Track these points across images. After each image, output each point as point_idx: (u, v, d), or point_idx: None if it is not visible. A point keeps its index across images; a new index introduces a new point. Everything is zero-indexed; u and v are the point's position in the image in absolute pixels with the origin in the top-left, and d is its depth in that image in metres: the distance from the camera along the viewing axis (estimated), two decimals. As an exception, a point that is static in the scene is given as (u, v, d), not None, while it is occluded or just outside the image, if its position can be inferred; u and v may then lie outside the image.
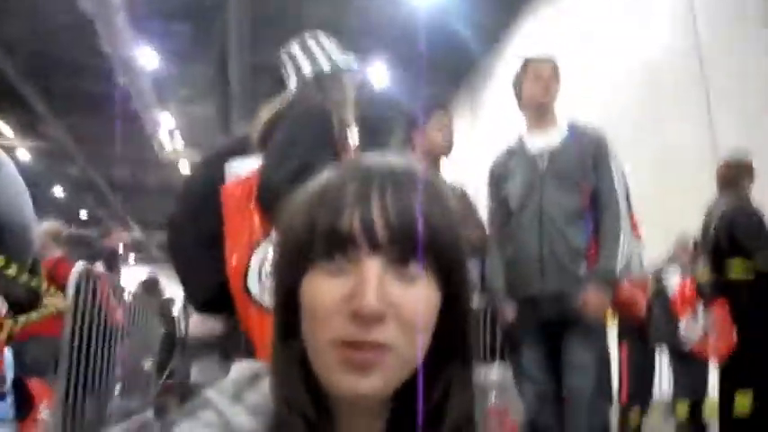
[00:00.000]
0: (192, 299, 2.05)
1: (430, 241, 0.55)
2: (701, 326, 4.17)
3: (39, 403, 3.56)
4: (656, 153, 7.54)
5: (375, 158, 0.61)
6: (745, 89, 6.35)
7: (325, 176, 0.60)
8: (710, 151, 6.28)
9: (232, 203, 1.79)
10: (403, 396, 0.59)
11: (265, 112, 2.01)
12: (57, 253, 4.73)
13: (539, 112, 2.70)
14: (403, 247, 0.55)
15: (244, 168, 1.84)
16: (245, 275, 1.70)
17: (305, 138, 1.76)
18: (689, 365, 4.60)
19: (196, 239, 1.91)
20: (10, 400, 3.44)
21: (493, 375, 4.19)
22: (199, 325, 4.14)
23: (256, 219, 1.74)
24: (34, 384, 3.71)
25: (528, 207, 2.58)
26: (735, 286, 3.55)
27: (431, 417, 0.60)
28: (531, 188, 2.59)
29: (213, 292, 1.85)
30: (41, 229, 4.88)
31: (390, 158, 0.62)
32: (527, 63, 2.74)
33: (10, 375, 3.42)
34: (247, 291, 1.70)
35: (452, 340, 0.61)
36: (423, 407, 0.60)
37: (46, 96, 13.13)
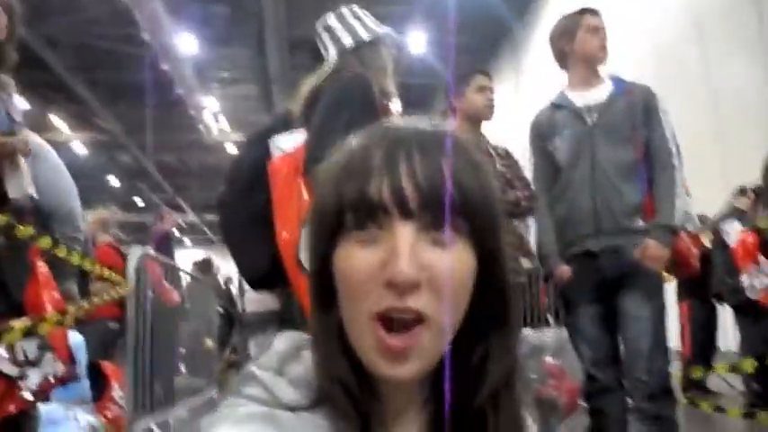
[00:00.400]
0: (246, 276, 2.09)
1: (462, 204, 0.54)
2: (766, 276, 4.02)
3: (112, 384, 3.73)
4: (712, 97, 7.25)
5: (401, 123, 0.60)
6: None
7: (351, 144, 0.59)
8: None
9: (280, 179, 1.80)
10: (443, 363, 0.58)
11: (306, 87, 2.01)
12: (105, 239, 4.90)
13: (591, 66, 2.62)
14: (435, 211, 0.53)
15: (289, 143, 1.84)
16: (297, 248, 1.72)
17: (348, 108, 1.76)
18: (754, 318, 4.46)
19: (247, 218, 1.95)
20: (87, 382, 3.62)
21: (548, 337, 4.18)
22: (254, 301, 4.25)
23: (305, 192, 1.75)
24: (108, 367, 3.89)
25: (579, 163, 2.52)
26: None
27: (472, 382, 0.60)
28: (582, 143, 2.53)
29: (266, 269, 1.88)
30: (90, 217, 5.08)
31: (417, 122, 0.60)
32: (581, 15, 2.65)
33: (83, 358, 3.60)
34: (300, 263, 1.72)
35: (491, 305, 0.60)
36: (462, 373, 0.60)
37: (93, 88, 13.49)
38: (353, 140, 0.60)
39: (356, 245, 0.54)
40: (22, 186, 2.05)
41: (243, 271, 2.06)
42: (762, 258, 4.04)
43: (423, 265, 0.52)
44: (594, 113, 2.53)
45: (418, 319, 0.53)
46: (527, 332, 4.43)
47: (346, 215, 0.54)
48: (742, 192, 5.03)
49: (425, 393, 0.62)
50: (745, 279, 4.17)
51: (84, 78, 12.91)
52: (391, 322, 0.53)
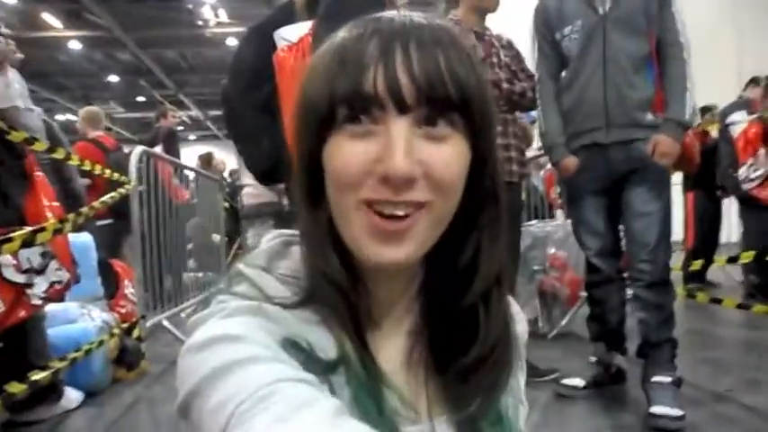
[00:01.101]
0: (253, 169, 2.09)
1: (458, 99, 0.52)
2: (764, 170, 3.98)
3: (124, 282, 3.84)
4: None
5: (395, 14, 0.56)
6: None
7: (343, 34, 0.56)
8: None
9: (287, 69, 1.75)
10: (435, 257, 0.58)
11: None
12: (95, 135, 4.87)
13: None
14: (431, 105, 0.52)
15: (294, 34, 1.77)
16: None
17: None
18: (757, 212, 4.47)
19: (253, 111, 1.92)
20: (98, 280, 3.73)
21: (552, 229, 4.23)
22: (251, 195, 4.31)
23: None
24: (119, 265, 3.99)
25: (590, 53, 2.43)
26: None
27: (462, 277, 0.60)
28: (594, 33, 2.43)
29: (273, 161, 1.87)
30: (80, 113, 5.04)
31: (412, 14, 0.57)
32: None
33: (93, 257, 3.68)
34: None
35: (482, 200, 0.59)
36: (452, 271, 0.60)
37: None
38: (345, 31, 0.56)
39: (349, 138, 0.52)
40: (9, 96, 2.01)
41: (250, 164, 2.05)
42: (761, 150, 3.98)
43: (418, 161, 0.51)
44: (607, 3, 2.42)
45: (416, 206, 0.52)
46: (532, 224, 4.48)
47: (338, 108, 0.52)
48: (753, 81, 4.89)
49: (414, 290, 0.62)
50: (742, 170, 4.14)
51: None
52: (382, 214, 0.52)
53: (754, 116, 4.29)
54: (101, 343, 2.91)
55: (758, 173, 3.94)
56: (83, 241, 3.53)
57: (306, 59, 1.68)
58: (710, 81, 5.91)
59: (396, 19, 0.55)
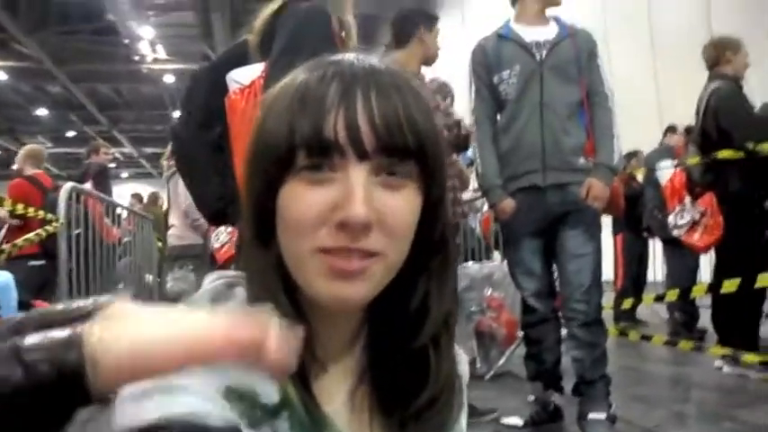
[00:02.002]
0: (203, 210, 2.05)
1: (415, 147, 0.53)
2: (690, 217, 4.22)
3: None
4: (650, 36, 7.38)
5: (354, 58, 0.57)
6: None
7: (303, 75, 0.56)
8: (706, 33, 6.13)
9: (238, 112, 1.73)
10: (381, 302, 0.58)
11: (261, 17, 1.91)
12: (33, 172, 4.70)
13: (544, 6, 2.62)
14: (389, 153, 0.52)
15: (246, 76, 1.76)
16: None
17: (308, 40, 1.69)
18: (680, 252, 4.69)
19: (204, 150, 1.88)
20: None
21: (489, 270, 4.30)
22: (174, 236, 4.20)
23: None
24: (40, 305, 3.78)
25: (528, 98, 2.53)
26: (722, 170, 3.54)
27: (411, 320, 0.59)
28: (531, 79, 2.53)
29: (224, 202, 1.84)
30: (21, 152, 4.85)
31: (370, 58, 0.58)
32: None
33: (14, 297, 3.49)
34: None
35: (433, 244, 0.59)
36: (401, 313, 0.60)
37: (14, 14, 12.57)
38: (305, 72, 0.56)
39: (306, 184, 0.52)
40: None
41: (199, 204, 2.02)
42: (687, 197, 4.22)
43: (375, 209, 0.51)
44: (543, 51, 2.53)
45: (369, 255, 0.52)
46: (468, 265, 4.54)
47: (298, 151, 0.51)
48: (671, 130, 5.19)
49: (360, 332, 0.62)
50: (671, 217, 4.37)
51: (3, 3, 11.98)
52: (342, 252, 0.52)
53: (678, 164, 4.54)
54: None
55: (685, 219, 4.16)
56: (2, 281, 3.35)
57: (258, 102, 1.68)
58: (634, 129, 6.23)
59: (356, 63, 0.56)
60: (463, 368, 0.69)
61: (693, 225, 4.01)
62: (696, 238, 4.01)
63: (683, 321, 4.68)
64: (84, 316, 0.36)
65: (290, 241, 0.53)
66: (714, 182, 3.66)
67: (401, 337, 0.60)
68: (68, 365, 0.34)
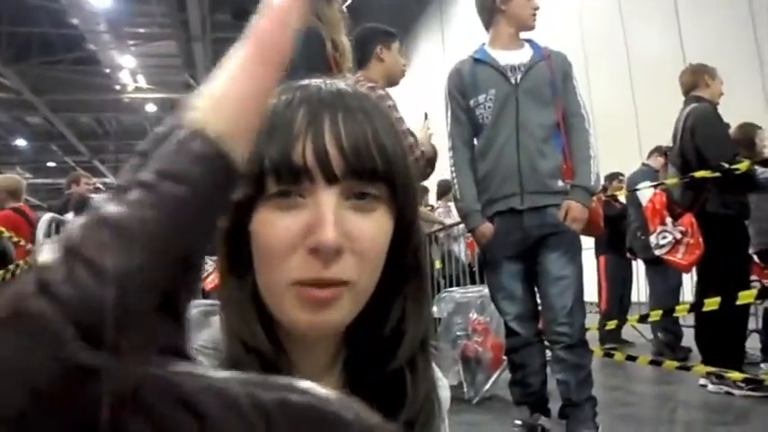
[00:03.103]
0: None
1: (384, 170, 0.53)
2: (672, 237, 4.29)
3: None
4: (627, 61, 7.53)
5: (322, 82, 0.57)
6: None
7: (270, 101, 0.56)
8: (679, 58, 6.28)
9: None
10: (357, 327, 0.58)
11: None
12: (13, 204, 4.63)
13: (518, 30, 2.65)
14: (359, 178, 0.52)
15: None
16: None
17: (304, 61, 1.71)
18: (662, 273, 4.73)
19: None
20: None
21: (473, 295, 4.29)
22: None
23: None
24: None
25: (504, 122, 2.55)
26: (700, 189, 3.60)
27: (385, 346, 0.59)
28: (507, 103, 2.55)
29: None
30: None
31: (338, 82, 0.58)
32: None
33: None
34: None
35: (406, 267, 0.60)
36: (377, 336, 0.59)
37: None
38: (272, 98, 0.55)
39: (276, 210, 0.52)
40: None
41: None
42: (668, 218, 4.29)
43: (345, 233, 0.51)
44: (518, 74, 2.55)
45: (342, 284, 0.52)
46: (453, 290, 4.54)
47: (267, 177, 0.52)
48: (657, 150, 5.27)
49: (336, 358, 0.62)
50: (652, 238, 4.43)
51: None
52: (315, 283, 0.52)
53: (657, 185, 4.61)
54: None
55: (667, 239, 4.22)
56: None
57: None
58: (614, 151, 6.33)
59: (323, 87, 0.56)
60: (444, 393, 0.69)
61: (675, 244, 4.07)
62: (679, 257, 4.07)
63: (667, 341, 4.70)
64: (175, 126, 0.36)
65: (265, 273, 0.53)
66: (693, 202, 3.71)
67: (377, 361, 0.59)
68: (205, 154, 0.35)
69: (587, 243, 5.81)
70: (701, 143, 3.53)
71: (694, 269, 3.93)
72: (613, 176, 5.91)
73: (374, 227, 0.54)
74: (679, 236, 4.10)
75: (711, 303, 3.13)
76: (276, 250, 0.52)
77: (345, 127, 0.52)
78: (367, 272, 0.54)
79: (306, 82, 0.57)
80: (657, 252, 4.39)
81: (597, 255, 5.81)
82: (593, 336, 4.83)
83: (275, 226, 0.52)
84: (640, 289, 5.78)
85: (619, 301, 5.71)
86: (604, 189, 5.28)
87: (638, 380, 4.32)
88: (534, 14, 2.63)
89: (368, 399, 0.59)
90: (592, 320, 4.52)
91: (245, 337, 0.54)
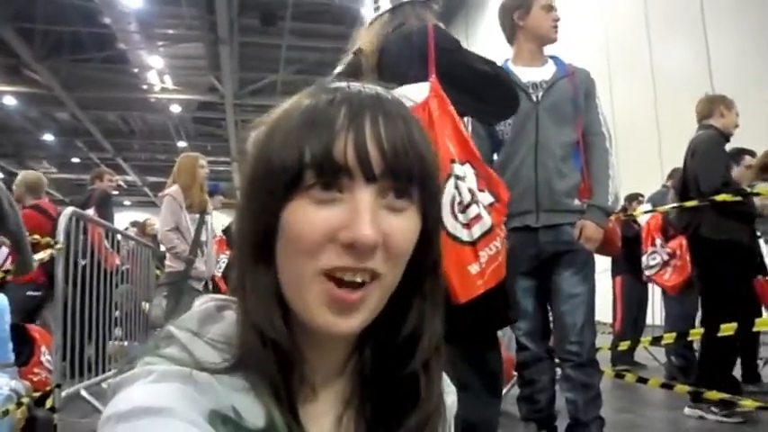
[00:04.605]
0: None
1: (418, 172, 0.55)
2: (660, 258, 4.28)
3: (40, 348, 3.62)
4: (652, 79, 7.47)
5: (361, 86, 0.59)
6: (740, 16, 6.23)
7: (308, 99, 0.57)
8: (706, 77, 6.22)
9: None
10: (374, 327, 0.58)
11: (368, 38, 1.96)
12: (34, 201, 4.73)
13: (540, 44, 2.62)
14: (396, 178, 0.54)
15: (416, 93, 1.76)
16: None
17: (416, 55, 1.82)
18: (678, 298, 4.69)
19: None
20: (9, 345, 3.50)
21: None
22: (169, 264, 4.21)
23: (449, 146, 1.70)
24: (35, 330, 3.76)
25: (523, 138, 2.53)
26: (694, 215, 3.61)
27: (403, 345, 0.60)
28: (527, 119, 2.53)
29: None
30: (19, 178, 4.88)
31: (376, 87, 0.60)
32: None
33: (7, 320, 3.47)
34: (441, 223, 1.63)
35: (426, 268, 0.61)
36: (395, 336, 0.60)
37: (28, 41, 12.81)
38: (311, 96, 0.58)
39: (312, 204, 0.53)
40: None
41: None
42: (658, 239, 4.29)
43: (380, 230, 0.52)
44: (540, 91, 2.55)
45: (372, 276, 0.54)
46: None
47: (306, 172, 0.53)
48: (674, 173, 5.23)
49: (350, 357, 0.63)
50: (644, 258, 4.42)
51: (17, 29, 12.21)
52: (340, 282, 0.53)
53: (653, 209, 4.62)
54: (5, 413, 2.70)
55: (656, 260, 4.23)
56: (-2, 303, 3.34)
57: (432, 120, 1.71)
58: (634, 169, 6.29)
59: (363, 90, 0.58)
60: (451, 399, 0.69)
61: (663, 266, 4.07)
62: (666, 278, 4.06)
63: (680, 365, 4.64)
64: None
65: (292, 261, 0.54)
66: (687, 225, 3.72)
67: (392, 362, 0.60)
68: None
69: (604, 263, 5.81)
70: (696, 168, 3.56)
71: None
72: (633, 197, 5.86)
73: (405, 226, 0.55)
74: (667, 257, 4.10)
75: (727, 329, 3.09)
76: (308, 241, 0.53)
77: (386, 128, 0.54)
78: (394, 269, 0.56)
79: (344, 84, 0.59)
80: (647, 273, 4.41)
81: (613, 275, 5.77)
82: (605, 356, 4.80)
83: (311, 218, 0.53)
84: (655, 312, 5.72)
85: (633, 322, 5.66)
86: (624, 209, 5.25)
87: (649, 403, 4.27)
88: (555, 26, 2.58)
89: (380, 399, 0.60)
90: (605, 341, 4.49)
91: (264, 330, 0.54)
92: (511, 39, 2.69)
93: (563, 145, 2.51)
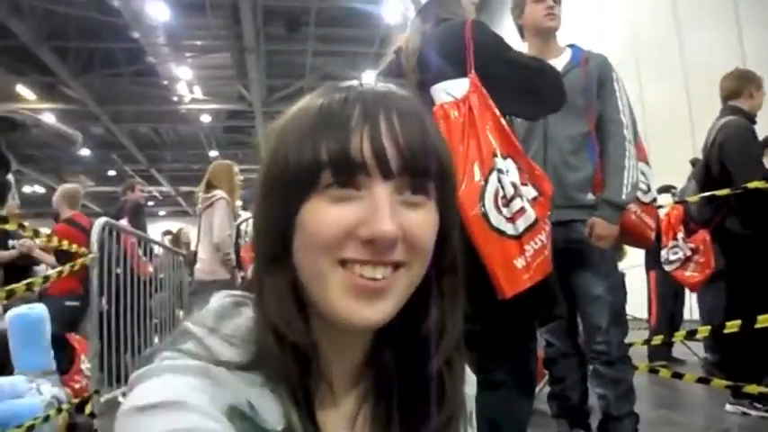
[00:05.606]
0: None
1: (435, 169, 0.55)
2: (682, 253, 4.13)
3: (79, 356, 3.71)
4: (682, 66, 7.31)
5: (374, 83, 0.60)
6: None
7: (322, 98, 0.57)
8: (739, 61, 6.06)
9: (450, 122, 1.74)
10: (392, 324, 0.58)
11: (407, 36, 1.98)
12: (70, 214, 4.84)
13: (543, 36, 2.56)
14: (413, 174, 0.54)
15: (457, 89, 1.79)
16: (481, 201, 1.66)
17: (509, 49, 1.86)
18: (713, 292, 4.55)
19: None
20: (51, 353, 3.59)
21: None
22: (202, 271, 4.21)
23: (491, 140, 1.72)
24: (76, 339, 3.86)
25: (533, 134, 2.49)
26: (720, 207, 3.43)
27: (423, 344, 0.60)
28: None
29: None
30: (58, 191, 5.01)
31: (389, 84, 0.60)
32: None
33: (48, 329, 3.57)
34: (485, 217, 1.64)
35: (446, 266, 0.61)
36: (416, 334, 0.60)
37: (62, 58, 13.15)
38: (324, 95, 0.58)
39: (330, 201, 0.53)
40: None
41: None
42: (680, 233, 4.14)
43: (399, 224, 0.53)
44: None
45: (395, 267, 0.54)
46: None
47: (323, 171, 0.53)
48: (694, 163, 5.11)
49: (367, 355, 0.63)
50: (663, 252, 4.27)
51: (52, 47, 12.55)
52: (361, 278, 0.53)
53: (677, 200, 4.45)
54: (47, 418, 2.78)
55: (677, 255, 4.09)
56: (37, 313, 3.44)
57: (473, 115, 1.73)
58: (667, 162, 6.16)
59: (377, 87, 0.58)
60: (469, 390, 0.69)
61: (685, 261, 3.95)
62: (687, 275, 3.94)
63: (715, 361, 4.52)
64: None
65: (311, 256, 0.54)
66: (710, 218, 3.55)
67: (414, 360, 0.60)
68: None
69: (638, 258, 5.70)
70: (729, 161, 3.33)
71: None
72: (665, 189, 5.73)
73: (424, 220, 0.55)
74: (689, 253, 3.97)
75: (764, 320, 3.00)
76: (327, 237, 0.53)
77: (401, 125, 0.54)
78: (418, 260, 0.56)
79: (356, 82, 0.59)
80: (667, 268, 4.25)
81: (647, 270, 5.65)
82: (641, 352, 4.70)
83: (329, 215, 0.53)
84: (693, 306, 5.58)
85: (670, 317, 5.53)
86: (654, 200, 5.13)
87: (688, 399, 4.18)
88: (548, 14, 2.50)
89: (400, 399, 0.61)
90: (641, 337, 4.40)
91: (281, 328, 0.55)
92: (522, 39, 2.67)
93: (573, 138, 2.43)
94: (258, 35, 12.91)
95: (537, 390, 3.90)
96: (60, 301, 4.32)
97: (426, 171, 0.54)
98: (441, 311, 0.60)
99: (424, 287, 0.59)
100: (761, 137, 3.63)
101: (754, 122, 3.49)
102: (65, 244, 3.33)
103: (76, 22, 12.38)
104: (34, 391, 3.01)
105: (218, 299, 0.61)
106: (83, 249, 3.47)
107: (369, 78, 0.62)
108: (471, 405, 0.70)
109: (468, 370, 0.69)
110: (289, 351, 0.54)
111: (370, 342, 0.62)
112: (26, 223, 3.16)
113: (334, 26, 13.53)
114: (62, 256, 4.20)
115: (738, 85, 3.53)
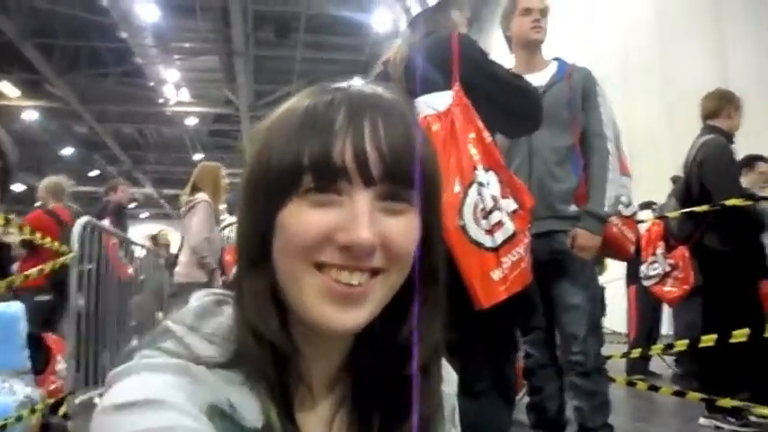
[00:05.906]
0: None
1: (420, 176, 0.54)
2: (661, 269, 4.18)
3: (55, 356, 3.66)
4: (667, 86, 7.41)
5: (361, 85, 0.59)
6: (760, 23, 6.18)
7: (308, 99, 0.56)
8: (722, 82, 6.16)
9: (432, 135, 1.75)
10: (371, 328, 0.58)
11: (395, 47, 2.01)
12: (53, 205, 4.77)
13: (529, 49, 2.58)
14: (395, 182, 0.53)
15: (439, 102, 1.81)
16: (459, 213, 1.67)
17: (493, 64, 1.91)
18: (687, 308, 4.61)
19: None
20: (25, 353, 3.54)
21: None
22: (180, 274, 4.18)
23: (473, 153, 1.73)
24: (52, 339, 3.80)
25: (518, 146, 2.50)
26: (699, 224, 3.52)
27: (400, 350, 0.60)
28: None
29: None
30: (43, 183, 4.95)
31: (376, 86, 0.59)
32: None
33: (23, 328, 3.51)
34: (464, 230, 1.66)
35: (427, 273, 0.60)
36: (393, 339, 0.60)
37: (47, 55, 13.04)
38: (310, 96, 0.57)
39: (310, 206, 0.53)
40: None
41: None
42: (659, 249, 4.20)
43: (377, 232, 0.52)
44: None
45: (372, 273, 0.54)
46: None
47: (305, 174, 0.53)
48: (675, 181, 5.19)
49: (345, 359, 0.63)
50: (643, 267, 4.33)
51: (37, 44, 12.44)
52: (337, 283, 0.53)
53: (657, 216, 4.51)
54: (19, 418, 2.74)
55: (657, 270, 4.15)
56: (12, 311, 3.38)
57: (455, 128, 1.75)
58: (649, 177, 6.23)
59: (363, 90, 0.57)
60: (449, 389, 0.69)
61: (664, 277, 4.00)
62: (666, 290, 4.00)
63: (682, 373, 4.57)
64: None
65: (288, 259, 0.54)
66: (690, 234, 3.63)
67: (390, 364, 0.60)
68: None
69: (618, 272, 5.75)
70: (708, 179, 3.42)
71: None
72: (647, 205, 5.79)
73: (404, 227, 0.55)
74: (668, 268, 4.03)
75: (739, 335, 3.04)
76: (305, 240, 0.52)
77: (385, 130, 0.53)
78: (397, 268, 0.55)
79: (345, 84, 0.58)
80: (646, 283, 4.31)
81: (628, 284, 5.70)
82: (618, 366, 4.74)
83: (308, 219, 0.52)
84: (670, 321, 5.64)
85: (648, 332, 5.58)
86: (635, 215, 5.18)
87: (663, 412, 4.21)
88: (534, 27, 2.53)
89: (376, 403, 0.61)
90: (620, 350, 4.43)
91: (260, 329, 0.54)
92: (511, 51, 2.69)
93: (558, 150, 2.45)
94: (247, 39, 12.90)
95: (517, 399, 3.94)
96: (30, 296, 4.25)
97: (409, 179, 0.54)
98: (420, 318, 0.60)
99: (404, 293, 0.58)
100: (741, 155, 3.71)
101: (732, 142, 3.56)
102: (37, 237, 3.24)
103: (63, 19, 12.28)
104: (7, 390, 2.95)
105: (199, 297, 0.61)
106: (56, 244, 3.41)
107: (357, 81, 0.60)
108: (454, 402, 0.70)
109: (449, 368, 0.69)
110: (267, 349, 0.54)
111: (350, 346, 0.62)
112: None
113: (323, 33, 13.57)
114: (30, 247, 4.11)
115: (718, 105, 3.61)
